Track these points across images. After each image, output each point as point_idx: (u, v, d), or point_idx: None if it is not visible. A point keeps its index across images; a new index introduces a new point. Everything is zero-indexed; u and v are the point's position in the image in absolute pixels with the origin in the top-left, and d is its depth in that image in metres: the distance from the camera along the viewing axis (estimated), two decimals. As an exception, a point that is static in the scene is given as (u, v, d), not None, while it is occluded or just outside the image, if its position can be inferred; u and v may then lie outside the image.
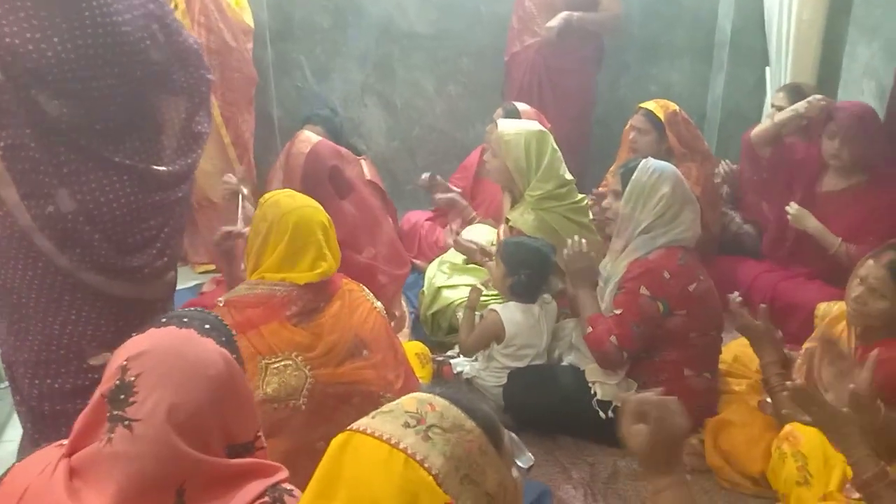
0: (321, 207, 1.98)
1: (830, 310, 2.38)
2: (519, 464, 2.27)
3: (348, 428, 1.02)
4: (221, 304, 1.84)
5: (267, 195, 2.00)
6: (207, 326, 1.18)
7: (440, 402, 1.01)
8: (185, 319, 1.18)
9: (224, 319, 1.78)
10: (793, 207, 2.93)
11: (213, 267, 3.61)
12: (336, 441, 1.02)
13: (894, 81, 3.03)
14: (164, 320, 1.17)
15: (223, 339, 1.20)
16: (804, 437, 1.95)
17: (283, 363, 1.78)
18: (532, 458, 2.25)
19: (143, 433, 1.02)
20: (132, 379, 1.06)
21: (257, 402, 1.75)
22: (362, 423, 1.01)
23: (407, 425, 0.97)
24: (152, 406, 1.04)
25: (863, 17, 3.32)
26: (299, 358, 1.80)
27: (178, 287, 3.44)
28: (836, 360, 1.75)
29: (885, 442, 1.65)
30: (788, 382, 1.63)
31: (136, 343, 1.12)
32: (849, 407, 1.59)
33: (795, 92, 3.39)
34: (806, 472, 1.91)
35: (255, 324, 1.78)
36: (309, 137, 2.72)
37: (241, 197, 2.55)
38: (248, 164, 3.77)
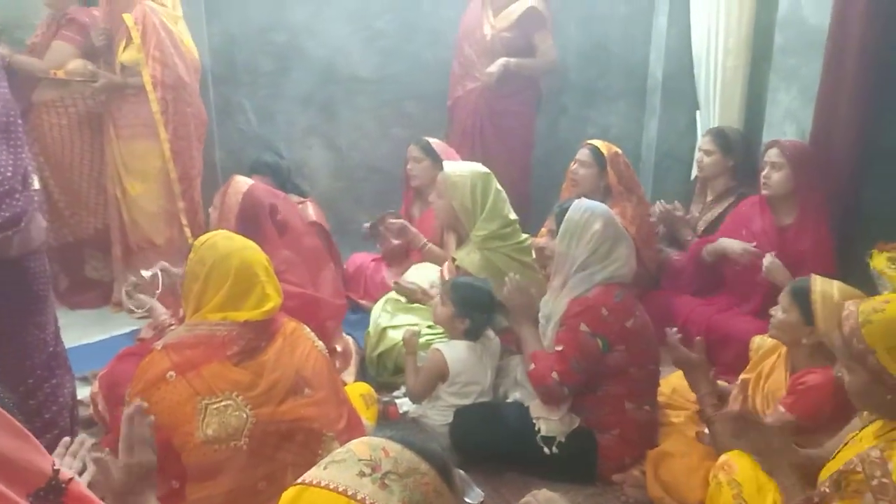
0: (259, 248, 1.98)
1: (764, 343, 2.50)
2: (468, 500, 2.29)
3: (299, 482, 0.99)
4: (160, 348, 1.82)
5: (202, 238, 1.99)
6: None
7: (393, 446, 1.01)
8: None
9: (162, 363, 1.79)
10: (767, 259, 3.01)
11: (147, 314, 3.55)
12: (287, 496, 0.99)
13: (812, 125, 3.23)
14: None
15: None
16: (738, 465, 2.01)
17: (223, 403, 1.76)
18: (481, 493, 2.27)
19: None
20: None
21: (197, 444, 1.73)
22: (314, 475, 0.99)
23: (362, 474, 0.96)
24: None
25: (781, 65, 3.53)
26: (240, 397, 1.78)
27: (115, 333, 3.44)
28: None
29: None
30: (727, 410, 1.71)
31: None
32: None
33: (720, 136, 3.58)
34: (741, 500, 1.95)
35: (195, 364, 1.76)
36: (245, 180, 2.73)
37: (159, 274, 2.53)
38: (190, 202, 3.74)
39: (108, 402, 2.39)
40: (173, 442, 1.75)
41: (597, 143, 3.43)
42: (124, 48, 3.52)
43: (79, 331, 3.38)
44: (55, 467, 0.98)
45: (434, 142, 3.60)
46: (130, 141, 3.58)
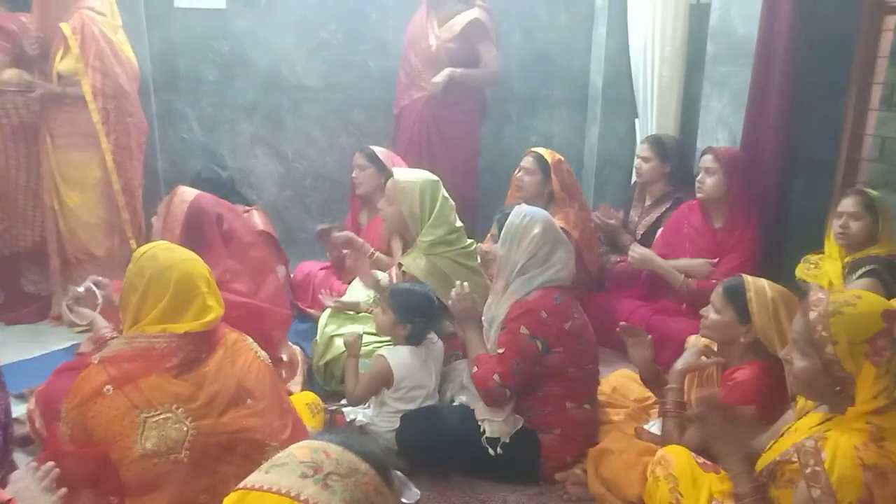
0: (200, 259, 1.97)
1: (699, 341, 2.59)
2: (405, 501, 2.32)
3: (240, 486, 1.00)
4: (97, 362, 1.80)
5: (142, 249, 1.97)
6: None
7: (334, 448, 1.03)
8: None
9: (99, 376, 1.76)
10: (635, 250, 3.18)
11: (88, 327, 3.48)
12: (229, 500, 1.00)
13: (742, 131, 3.36)
14: None
15: None
16: (675, 460, 2.08)
17: (162, 416, 1.74)
18: (417, 493, 2.31)
19: None
20: None
21: (136, 458, 1.71)
22: (255, 479, 1.00)
23: (304, 475, 0.98)
24: None
25: (713, 73, 3.67)
26: (180, 410, 1.77)
27: (54, 348, 3.36)
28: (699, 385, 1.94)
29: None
30: (701, 393, 1.77)
31: None
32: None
33: (657, 143, 3.70)
34: (677, 493, 2.03)
35: (132, 378, 1.74)
36: (190, 190, 2.71)
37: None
38: (133, 212, 3.68)
39: (46, 418, 2.34)
40: (111, 456, 1.73)
41: (541, 150, 3.52)
42: (62, 57, 3.45)
43: (16, 347, 3.31)
44: (7, 499, 0.99)
45: (379, 150, 3.62)
46: (67, 151, 3.51)
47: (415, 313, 2.65)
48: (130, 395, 1.72)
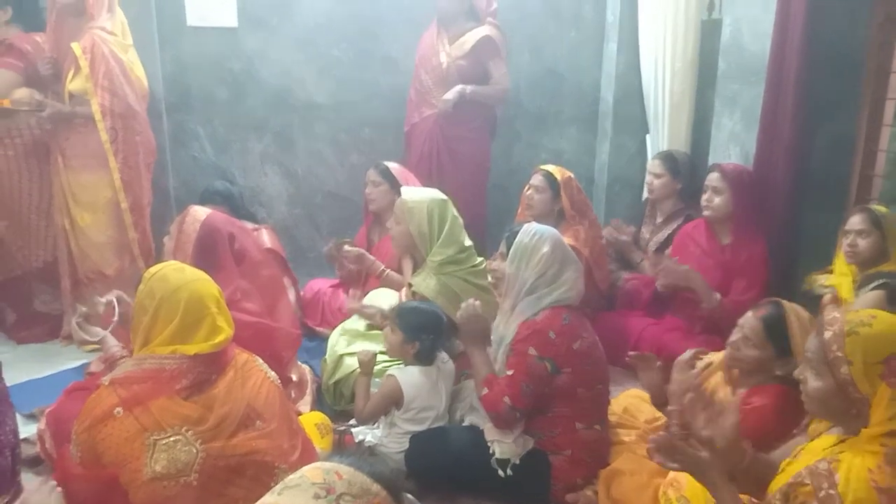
0: (211, 280, 1.97)
1: (685, 355, 2.52)
2: None
3: None
4: (107, 384, 1.80)
5: (152, 270, 1.97)
6: None
7: (345, 469, 1.03)
8: None
9: (109, 398, 1.76)
10: (668, 266, 3.13)
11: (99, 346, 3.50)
12: None
13: (756, 148, 3.34)
14: None
15: None
16: (687, 481, 2.05)
17: (172, 438, 1.74)
18: None
19: None
20: None
21: (146, 481, 1.71)
22: (268, 501, 1.00)
23: (317, 496, 0.97)
24: None
25: (725, 90, 3.66)
26: (189, 432, 1.76)
27: (64, 368, 3.37)
28: (706, 407, 1.88)
29: (753, 479, 1.78)
30: (652, 436, 1.72)
31: None
32: (712, 453, 1.71)
33: (669, 160, 3.69)
34: (689, 515, 2.00)
35: (141, 400, 1.74)
36: (203, 209, 2.72)
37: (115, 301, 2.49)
38: (142, 232, 3.70)
39: (56, 438, 2.34)
40: (121, 479, 1.73)
41: (550, 168, 3.51)
42: (73, 77, 3.48)
43: (26, 366, 3.31)
44: None
45: (393, 166, 3.62)
46: (79, 171, 3.53)
47: (422, 331, 2.64)
48: (140, 418, 1.72)
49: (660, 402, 2.38)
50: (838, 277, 2.83)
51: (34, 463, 2.50)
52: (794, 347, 2.13)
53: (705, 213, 3.23)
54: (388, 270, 3.40)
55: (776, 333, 2.18)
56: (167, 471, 1.72)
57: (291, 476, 1.05)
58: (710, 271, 3.13)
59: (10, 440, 2.09)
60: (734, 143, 3.62)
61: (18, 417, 2.25)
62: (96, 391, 1.81)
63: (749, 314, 2.27)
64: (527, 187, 3.56)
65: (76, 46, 3.42)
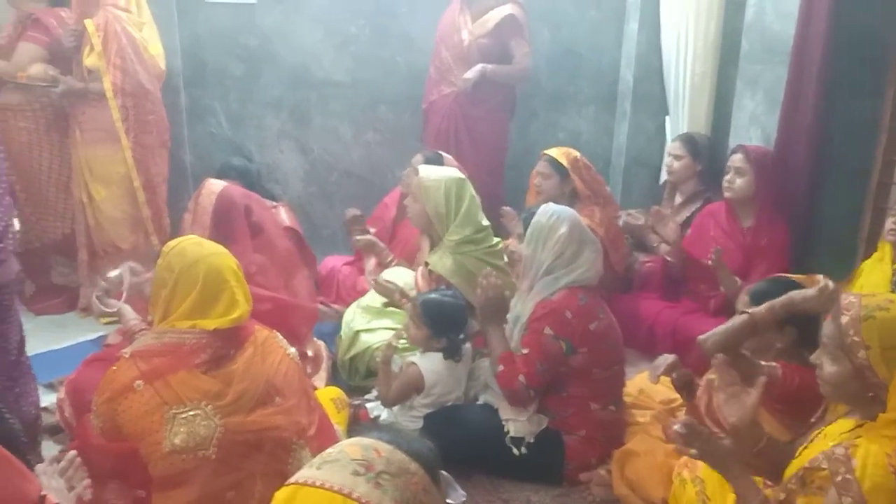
0: (229, 253, 1.97)
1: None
2: (450, 502, 2.28)
3: (292, 481, 1.01)
4: (127, 356, 1.81)
5: (171, 244, 1.97)
6: None
7: (384, 446, 1.04)
8: None
9: (129, 371, 1.78)
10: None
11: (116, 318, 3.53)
12: (281, 495, 1.00)
13: (777, 130, 3.30)
14: None
15: None
16: (701, 462, 2.05)
17: (191, 412, 1.75)
18: (464, 494, 2.28)
19: None
20: None
21: (164, 454, 1.72)
22: (307, 475, 1.00)
23: (356, 473, 0.98)
24: None
25: (746, 71, 3.60)
26: (209, 407, 1.77)
27: (82, 339, 3.41)
28: (729, 383, 1.87)
29: (768, 463, 1.77)
30: (675, 426, 1.72)
31: None
32: (730, 437, 1.70)
33: (689, 141, 3.65)
34: (704, 496, 2.00)
35: (162, 373, 1.75)
36: (218, 182, 2.72)
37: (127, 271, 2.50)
38: (156, 209, 3.72)
39: (75, 408, 2.36)
40: (140, 451, 1.74)
41: (553, 152, 3.47)
42: (88, 53, 3.49)
43: (45, 337, 3.35)
44: (42, 493, 1.01)
45: (446, 156, 3.55)
46: (94, 146, 3.55)
47: (450, 328, 2.61)
48: (160, 391, 1.74)
49: (680, 382, 2.36)
50: (876, 265, 2.73)
51: (53, 431, 2.54)
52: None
53: (727, 194, 3.20)
54: (396, 260, 3.40)
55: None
56: (186, 444, 1.73)
57: (330, 450, 1.05)
58: (730, 254, 3.10)
59: (32, 411, 2.13)
60: (755, 125, 3.57)
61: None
62: (116, 363, 1.82)
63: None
64: (533, 174, 3.53)
65: (89, 23, 3.42)
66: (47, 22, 3.55)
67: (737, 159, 3.16)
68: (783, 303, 2.10)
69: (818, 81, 3.05)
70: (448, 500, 1.23)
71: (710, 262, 2.98)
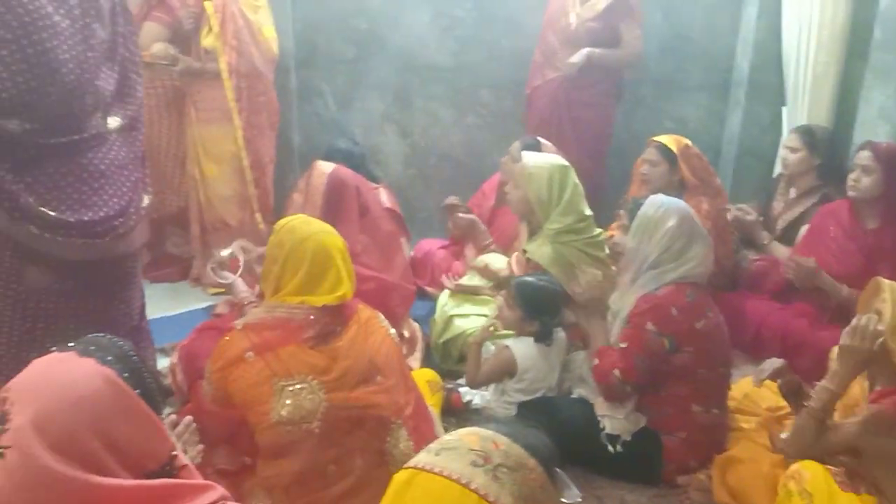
0: (336, 232, 2.02)
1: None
2: (564, 501, 2.24)
3: (410, 465, 1.01)
4: (240, 328, 1.88)
5: (282, 221, 2.04)
6: (92, 348, 1.10)
7: (502, 439, 1.02)
8: (82, 346, 1.11)
9: (241, 342, 1.85)
10: (798, 262, 2.93)
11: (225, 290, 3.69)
12: (399, 479, 1.01)
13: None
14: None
15: (121, 365, 1.10)
16: (810, 474, 1.95)
17: (298, 386, 1.80)
18: (578, 493, 2.26)
19: (14, 460, 0.95)
20: (7, 408, 1.00)
21: (271, 424, 1.79)
22: (425, 460, 1.00)
23: (475, 464, 0.97)
24: (18, 430, 0.97)
25: (878, 62, 3.36)
26: (314, 381, 1.82)
27: (192, 308, 3.58)
28: None
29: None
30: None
31: (20, 373, 1.06)
32: None
33: (807, 134, 3.44)
34: (812, 510, 1.91)
35: (272, 346, 1.82)
36: (328, 164, 2.79)
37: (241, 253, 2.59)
38: (263, 189, 3.85)
39: (187, 374, 2.49)
40: (248, 420, 1.82)
41: (663, 139, 3.33)
42: (206, 34, 3.63)
43: (158, 303, 3.51)
44: (173, 453, 1.06)
45: (545, 142, 3.51)
46: (208, 124, 3.70)
47: (544, 311, 2.59)
48: (270, 363, 1.80)
49: (788, 390, 2.24)
50: None
51: (166, 394, 2.68)
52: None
53: (851, 193, 3.00)
54: (493, 245, 3.37)
55: None
56: (292, 416, 1.78)
57: (447, 437, 1.05)
58: (851, 256, 2.92)
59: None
60: (884, 120, 3.33)
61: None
62: (229, 334, 1.90)
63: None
64: (639, 162, 3.40)
65: (209, 5, 3.55)
66: (171, 2, 3.71)
67: (864, 157, 2.95)
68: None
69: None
70: (563, 500, 1.21)
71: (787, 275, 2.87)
